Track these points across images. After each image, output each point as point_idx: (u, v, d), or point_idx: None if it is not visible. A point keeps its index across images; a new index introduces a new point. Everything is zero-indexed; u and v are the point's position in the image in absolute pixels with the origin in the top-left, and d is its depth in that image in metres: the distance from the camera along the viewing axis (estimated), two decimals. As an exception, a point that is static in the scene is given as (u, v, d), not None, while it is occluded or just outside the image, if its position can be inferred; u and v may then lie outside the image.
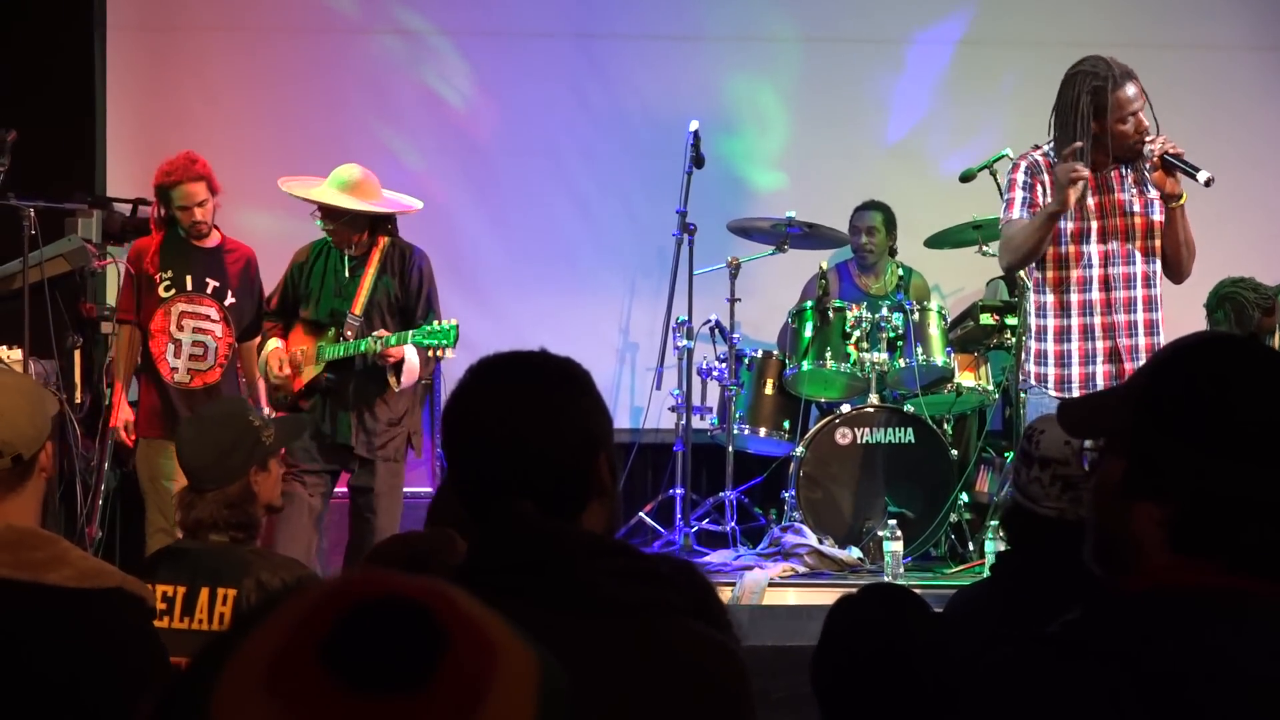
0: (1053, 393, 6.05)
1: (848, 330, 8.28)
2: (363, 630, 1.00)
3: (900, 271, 9.13)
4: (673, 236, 8.38)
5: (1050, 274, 6.07)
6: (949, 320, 8.63)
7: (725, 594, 7.11)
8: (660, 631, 2.19)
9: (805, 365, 8.30)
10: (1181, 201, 5.95)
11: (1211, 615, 1.92)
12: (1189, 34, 9.66)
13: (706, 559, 7.85)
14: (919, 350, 8.23)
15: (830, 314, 8.33)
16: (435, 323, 6.98)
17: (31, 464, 3.12)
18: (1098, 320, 6.00)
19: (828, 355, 8.26)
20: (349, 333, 7.12)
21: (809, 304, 8.45)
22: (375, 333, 7.04)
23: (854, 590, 2.94)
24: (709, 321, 8.58)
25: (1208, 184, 5.83)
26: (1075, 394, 5.94)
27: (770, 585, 7.25)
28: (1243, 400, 1.97)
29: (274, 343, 7.26)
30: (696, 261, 8.44)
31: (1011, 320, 8.36)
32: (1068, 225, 5.99)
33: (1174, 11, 9.89)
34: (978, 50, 9.95)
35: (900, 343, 8.28)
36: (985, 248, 8.55)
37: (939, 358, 8.27)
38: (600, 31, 9.84)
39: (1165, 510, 1.98)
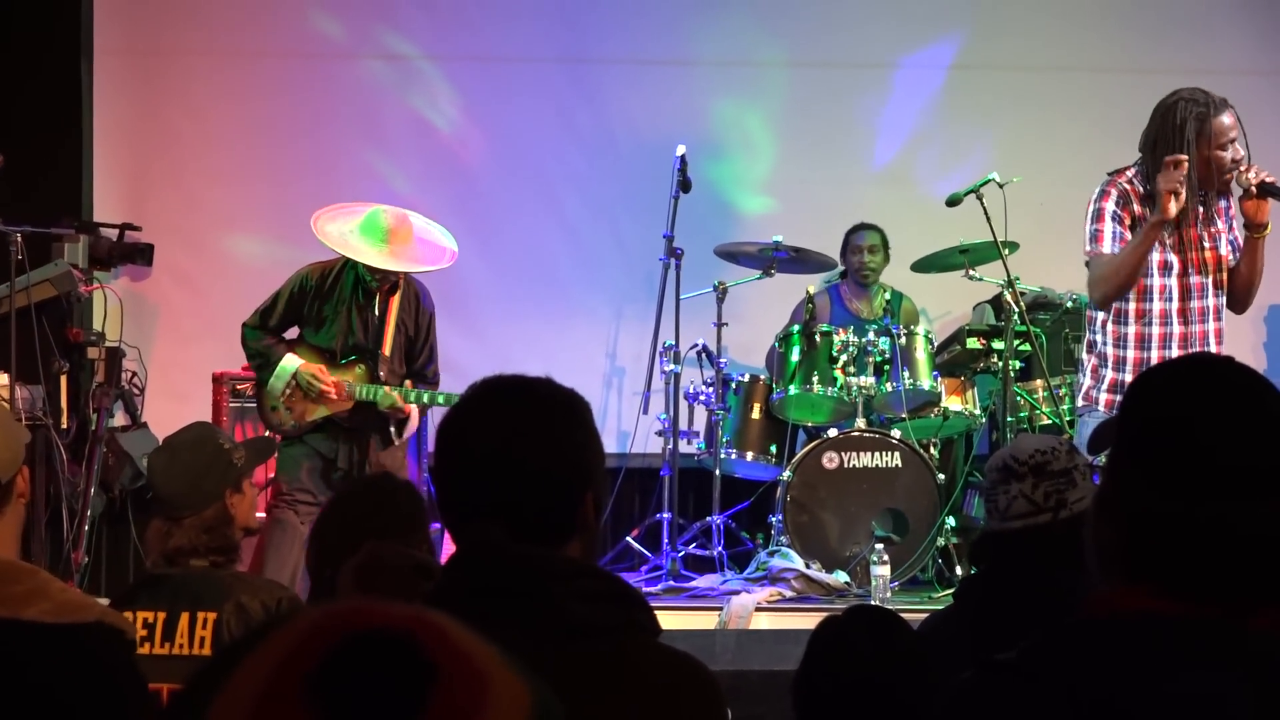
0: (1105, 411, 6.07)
1: (834, 354, 8.27)
2: (349, 666, 0.98)
3: (888, 295, 9.13)
4: (660, 261, 8.37)
5: (1133, 305, 6.04)
6: (935, 344, 8.64)
7: (712, 618, 7.10)
8: (632, 653, 2.19)
9: (792, 389, 8.30)
10: (1268, 231, 5.98)
11: (1150, 641, 1.92)
12: (1185, 58, 9.61)
13: (693, 583, 7.85)
14: (906, 374, 8.23)
15: (817, 338, 8.33)
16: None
17: (9, 489, 3.10)
18: (1175, 354, 5.96)
19: (814, 380, 8.26)
20: (384, 373, 7.31)
21: (796, 328, 8.46)
22: (405, 386, 7.31)
23: (838, 612, 2.94)
24: (696, 346, 8.58)
25: None
26: None
27: (757, 610, 7.23)
28: (1185, 431, 1.98)
29: (294, 359, 7.29)
30: (683, 286, 8.42)
31: (998, 345, 8.36)
32: (1152, 256, 5.98)
33: (1168, 36, 9.87)
34: (965, 75, 9.97)
35: (887, 367, 8.28)
36: (972, 272, 8.55)
37: (926, 382, 8.27)
38: (587, 56, 9.85)
39: (1118, 533, 1.99)
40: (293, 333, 7.49)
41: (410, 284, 7.49)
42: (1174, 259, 6.00)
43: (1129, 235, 5.97)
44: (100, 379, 8.29)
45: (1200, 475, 1.95)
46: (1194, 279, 6.02)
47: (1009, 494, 3.59)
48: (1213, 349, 5.99)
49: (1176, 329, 6.01)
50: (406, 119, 9.79)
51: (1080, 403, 6.30)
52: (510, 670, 1.04)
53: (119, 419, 8.33)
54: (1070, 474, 3.58)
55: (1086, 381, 6.23)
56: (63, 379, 7.95)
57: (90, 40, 9.58)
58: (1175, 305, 6.01)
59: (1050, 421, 8.32)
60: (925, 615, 4.03)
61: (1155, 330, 6.02)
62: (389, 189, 9.22)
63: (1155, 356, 6.00)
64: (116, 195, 9.43)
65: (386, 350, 7.31)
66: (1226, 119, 5.91)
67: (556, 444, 2.32)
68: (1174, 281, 6.01)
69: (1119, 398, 5.99)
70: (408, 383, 7.33)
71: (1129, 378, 6.02)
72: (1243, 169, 5.91)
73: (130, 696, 2.95)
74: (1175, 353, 5.98)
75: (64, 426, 7.97)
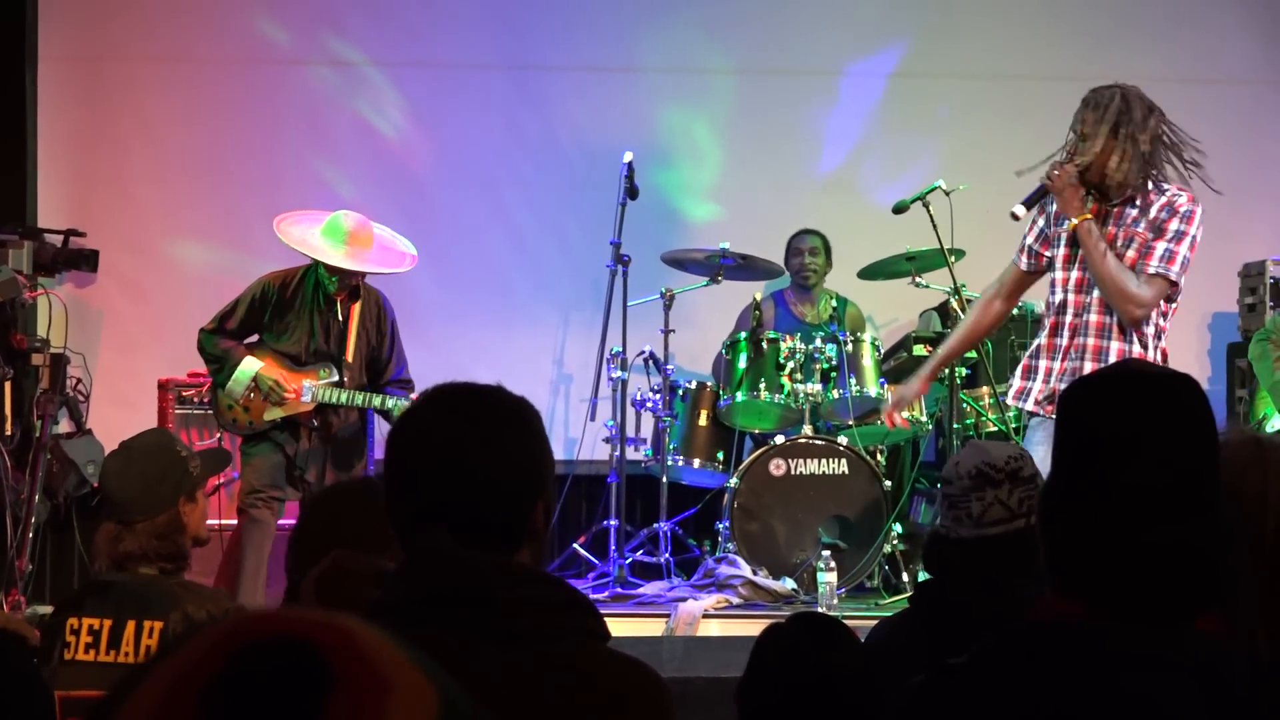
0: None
1: (781, 361, 8.29)
2: (244, 677, 0.97)
3: (834, 301, 9.14)
4: (607, 268, 8.37)
5: (1047, 295, 6.03)
6: (882, 351, 8.67)
7: (659, 625, 7.11)
8: (582, 659, 2.19)
9: (739, 396, 8.31)
10: (1073, 225, 5.79)
11: (1098, 643, 1.94)
12: (1130, 65, 9.61)
13: (640, 590, 7.84)
14: (852, 381, 8.25)
15: (764, 345, 8.35)
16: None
17: None
18: (1063, 341, 5.87)
19: (762, 386, 8.28)
20: (348, 379, 7.42)
21: (743, 335, 8.47)
22: (386, 396, 7.46)
23: (782, 619, 2.94)
24: (643, 353, 8.58)
25: (1013, 217, 5.88)
26: (1027, 408, 5.94)
27: (704, 616, 7.24)
28: (1099, 457, 2.00)
29: (255, 361, 7.32)
30: (631, 293, 8.43)
31: (944, 352, 8.39)
32: (1061, 250, 5.91)
33: (1113, 43, 9.87)
34: (911, 82, 9.99)
35: (834, 374, 8.30)
36: (918, 279, 8.57)
37: (872, 389, 8.30)
38: (534, 63, 9.83)
39: (1048, 546, 2.02)
40: (251, 338, 7.51)
41: (371, 292, 7.56)
42: (1076, 251, 5.91)
43: (1029, 241, 6.03)
44: (45, 385, 8.24)
45: (1112, 498, 1.97)
46: (1084, 272, 5.86)
47: (984, 500, 3.54)
48: (1090, 341, 5.82)
49: (1068, 318, 5.86)
50: (352, 125, 9.77)
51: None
52: (421, 675, 1.01)
53: (64, 426, 8.28)
54: (1035, 480, 3.56)
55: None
56: (7, 385, 7.90)
57: (35, 46, 9.51)
58: (1070, 298, 5.84)
59: (996, 429, 8.35)
60: (873, 622, 4.02)
61: (1050, 318, 5.93)
62: (335, 195, 9.18)
63: (1045, 343, 5.89)
64: (61, 201, 9.37)
65: (350, 357, 7.39)
66: (1079, 111, 5.91)
67: (508, 452, 2.32)
68: (1074, 274, 5.86)
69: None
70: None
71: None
72: (1056, 161, 5.87)
73: (32, 703, 2.93)
74: (1063, 341, 5.85)
75: (8, 433, 7.92)
